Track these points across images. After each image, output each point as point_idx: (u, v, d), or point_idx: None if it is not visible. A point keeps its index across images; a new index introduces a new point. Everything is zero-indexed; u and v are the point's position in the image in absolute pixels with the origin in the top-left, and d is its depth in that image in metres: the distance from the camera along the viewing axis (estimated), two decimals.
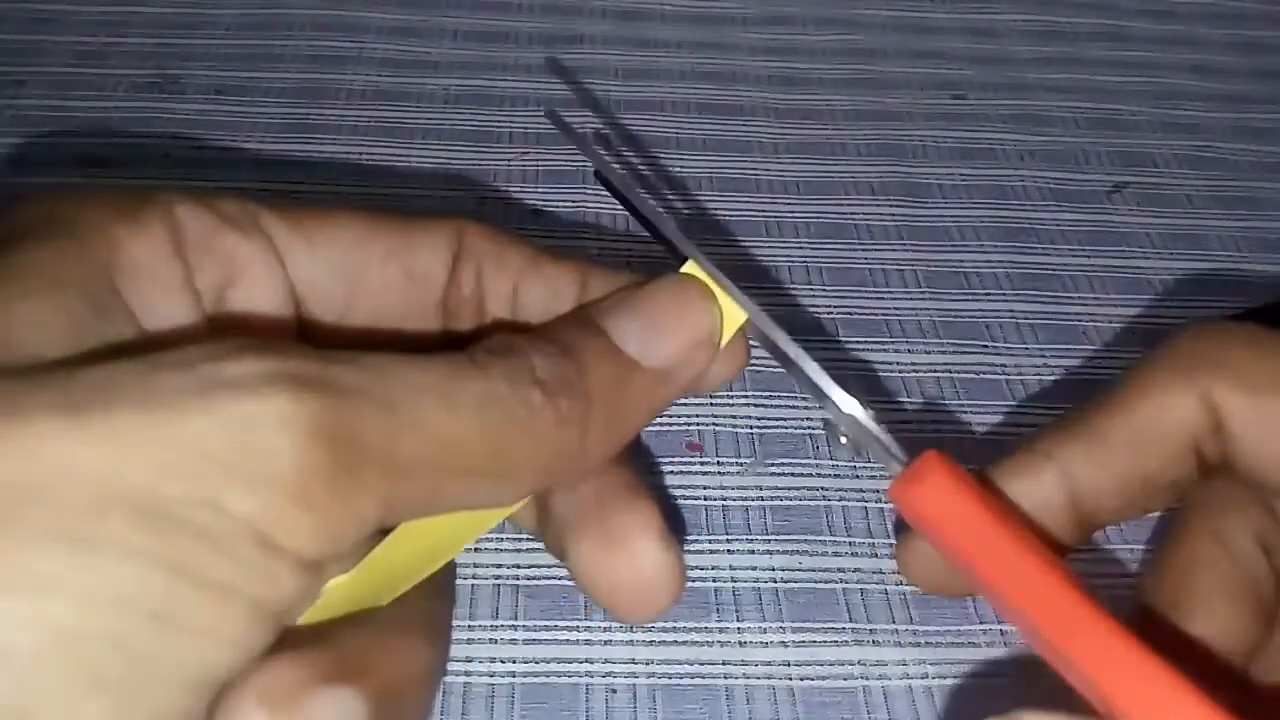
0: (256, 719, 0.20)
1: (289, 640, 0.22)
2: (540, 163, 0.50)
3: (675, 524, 0.36)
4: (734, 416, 0.40)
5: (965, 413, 0.41)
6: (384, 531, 0.24)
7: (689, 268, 0.27)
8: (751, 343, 0.28)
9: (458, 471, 0.22)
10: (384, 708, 0.22)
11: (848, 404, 0.27)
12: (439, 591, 0.26)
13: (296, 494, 0.19)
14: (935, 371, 0.42)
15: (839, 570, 0.35)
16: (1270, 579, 0.28)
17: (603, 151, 0.29)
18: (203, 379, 0.20)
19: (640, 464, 0.38)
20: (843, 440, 0.27)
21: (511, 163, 0.50)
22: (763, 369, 0.42)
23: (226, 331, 0.26)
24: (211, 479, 0.19)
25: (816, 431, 0.39)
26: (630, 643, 0.33)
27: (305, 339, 0.28)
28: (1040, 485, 0.28)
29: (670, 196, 0.49)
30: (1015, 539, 0.26)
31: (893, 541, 0.36)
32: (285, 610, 0.21)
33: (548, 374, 0.23)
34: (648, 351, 0.25)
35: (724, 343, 0.26)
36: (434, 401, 0.21)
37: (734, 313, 0.27)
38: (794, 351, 0.27)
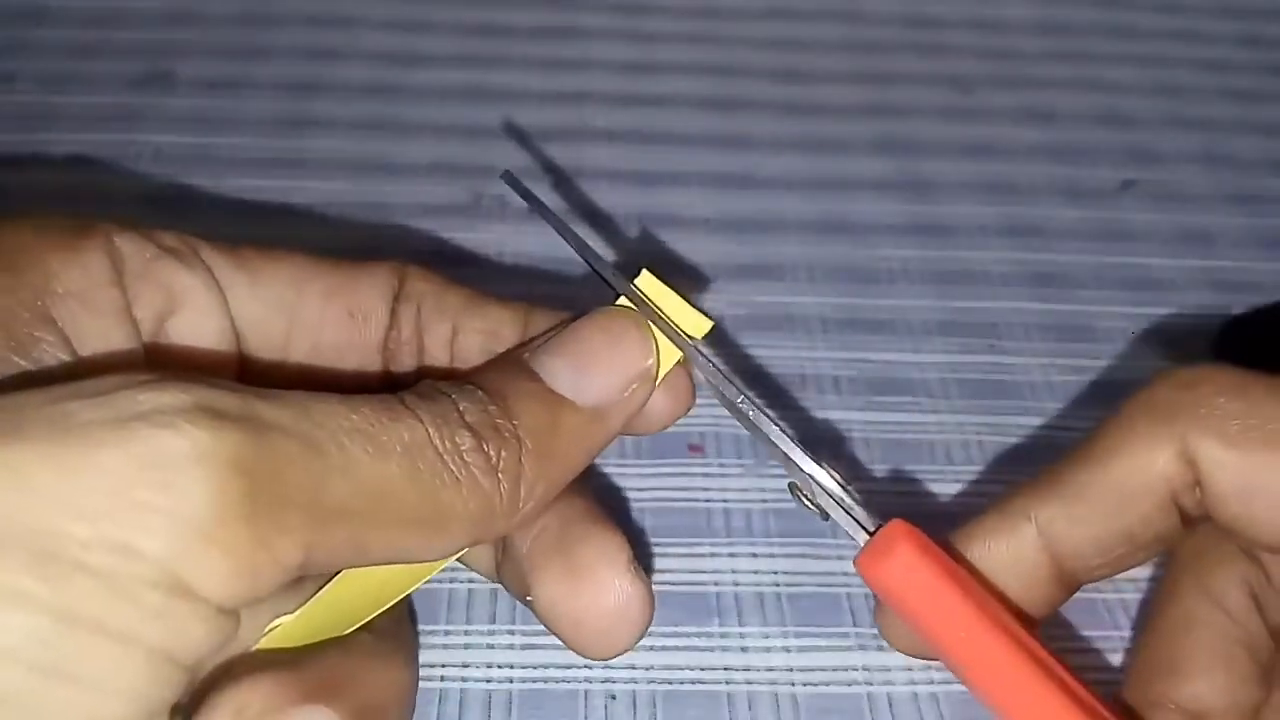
0: None
1: (263, 662, 0.21)
2: (537, 159, 0.49)
3: (675, 527, 0.36)
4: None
5: (972, 412, 0.40)
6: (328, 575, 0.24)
7: (623, 301, 0.26)
8: (703, 392, 0.27)
9: (386, 521, 0.21)
10: None
11: (811, 468, 0.26)
12: (402, 617, 0.26)
13: (212, 534, 0.19)
14: (941, 371, 0.41)
15: (843, 574, 0.35)
16: (1264, 636, 0.28)
17: (541, 196, 0.28)
18: (117, 410, 0.19)
19: (639, 466, 0.37)
20: (808, 505, 0.26)
21: (508, 159, 0.49)
22: (764, 369, 0.41)
23: (164, 364, 0.26)
24: (119, 518, 0.18)
25: (820, 433, 0.39)
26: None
27: (245, 376, 0.27)
28: (1018, 545, 0.28)
29: (669, 193, 0.48)
30: (980, 616, 0.26)
31: None
32: (195, 661, 0.20)
33: (476, 418, 0.23)
34: (580, 390, 0.25)
35: (660, 377, 0.26)
36: (361, 444, 0.21)
37: (671, 348, 0.26)
38: (754, 414, 0.26)
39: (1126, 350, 0.43)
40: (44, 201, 0.45)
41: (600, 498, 0.27)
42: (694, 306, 0.26)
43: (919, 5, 0.61)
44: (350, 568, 0.23)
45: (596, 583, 0.25)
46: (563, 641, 0.26)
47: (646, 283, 0.26)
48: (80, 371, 0.21)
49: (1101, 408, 0.40)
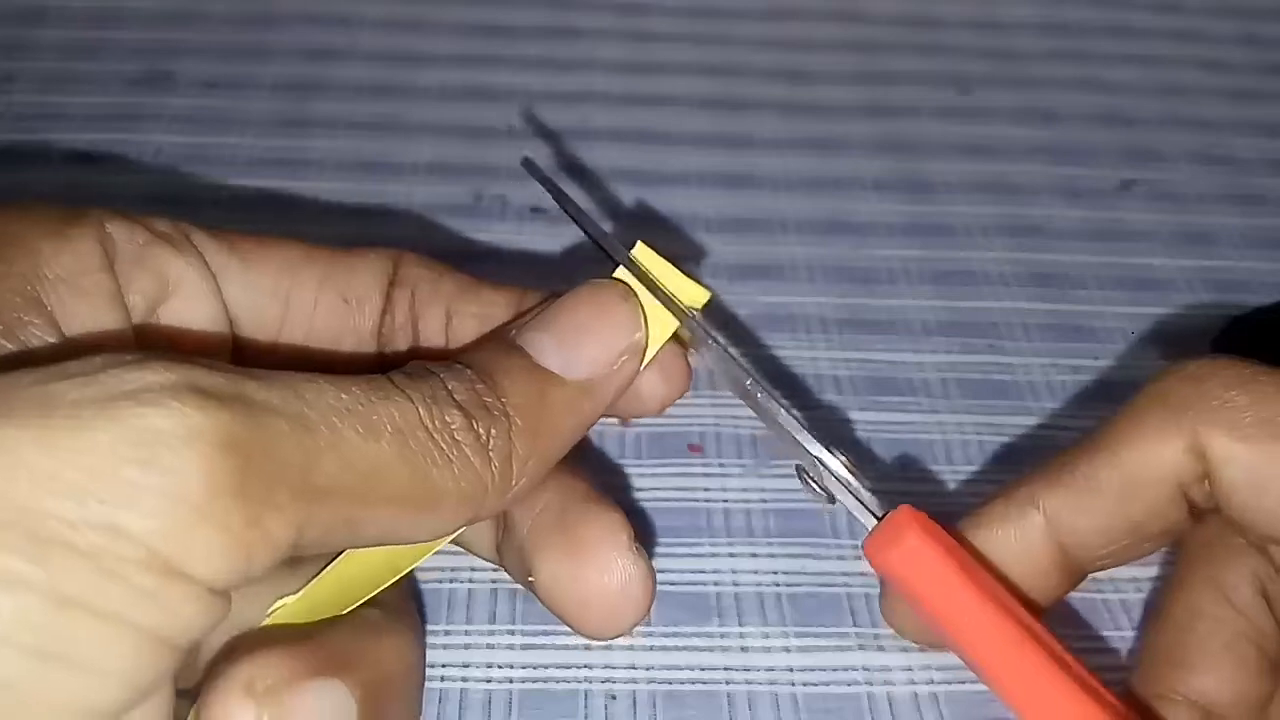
0: (243, 710, 0.20)
1: (274, 637, 0.21)
2: (538, 158, 0.49)
3: (675, 527, 0.36)
4: (736, 417, 0.39)
5: (972, 412, 0.40)
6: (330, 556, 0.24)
7: (621, 273, 0.26)
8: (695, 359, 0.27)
9: (378, 500, 0.21)
10: (372, 702, 0.22)
11: (819, 451, 0.26)
12: (409, 594, 0.26)
13: (203, 512, 0.18)
14: (941, 371, 0.41)
15: (843, 574, 0.35)
16: (1273, 629, 0.27)
17: (558, 181, 0.28)
18: (104, 389, 0.19)
19: (639, 466, 0.37)
20: (814, 487, 0.26)
21: (508, 158, 0.49)
22: (764, 368, 0.41)
23: (154, 347, 0.26)
24: (109, 498, 0.18)
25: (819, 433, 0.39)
26: (630, 648, 0.32)
27: (238, 360, 0.27)
28: (1025, 533, 0.28)
29: (669, 193, 0.48)
30: (987, 601, 0.26)
31: None
32: (187, 642, 0.19)
33: (465, 397, 0.23)
34: (568, 364, 0.25)
35: (652, 351, 0.26)
36: (351, 423, 0.21)
37: (665, 321, 0.26)
38: (761, 394, 0.26)
39: (1126, 350, 0.43)
40: (43, 201, 0.45)
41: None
42: (691, 278, 0.26)
43: (919, 5, 0.61)
44: (344, 548, 0.23)
45: (599, 561, 0.25)
46: (565, 622, 0.26)
47: (642, 255, 0.26)
48: (68, 353, 0.20)
49: (1101, 408, 0.40)
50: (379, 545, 0.23)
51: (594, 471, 0.36)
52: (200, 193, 0.46)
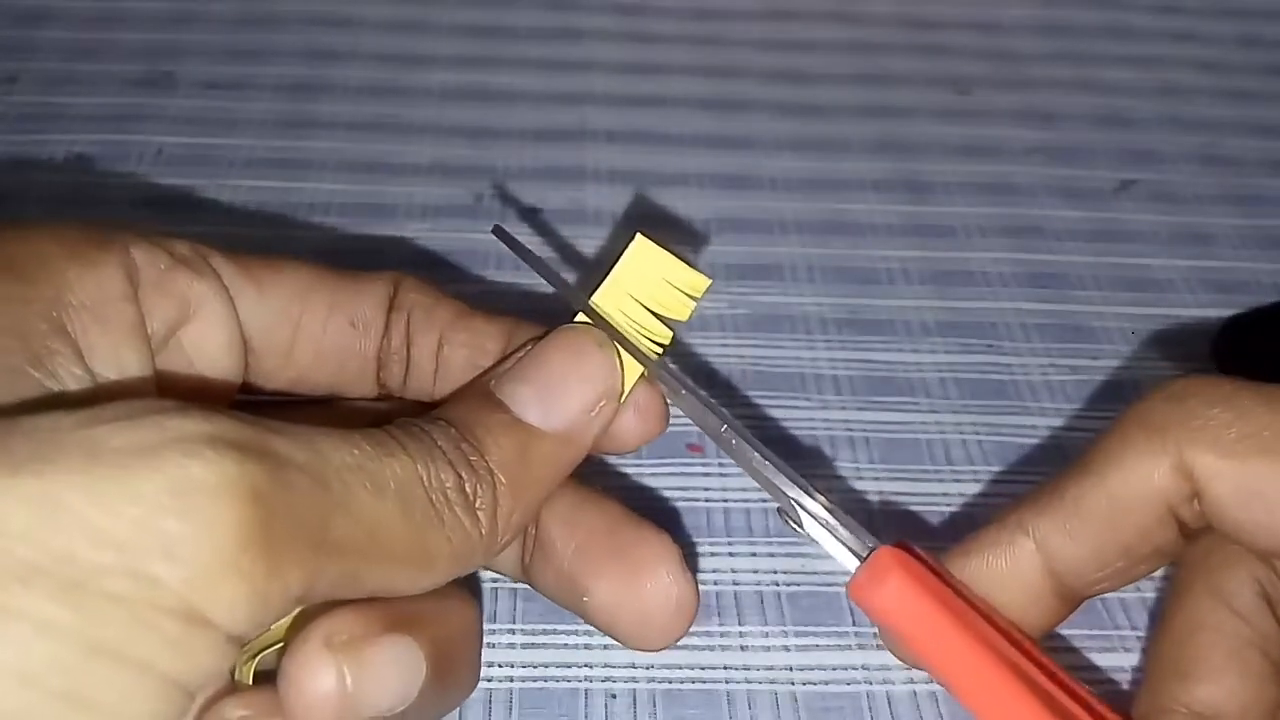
0: (323, 662, 0.21)
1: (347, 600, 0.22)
2: (538, 159, 0.49)
3: (675, 527, 0.36)
4: (736, 417, 0.39)
5: (971, 412, 0.40)
6: None
7: (601, 300, 0.27)
8: (677, 411, 0.27)
9: (380, 557, 0.22)
10: (440, 658, 0.23)
11: (798, 494, 0.26)
12: None
13: (232, 563, 0.19)
14: (940, 371, 0.42)
15: (843, 573, 0.34)
16: (1277, 635, 0.27)
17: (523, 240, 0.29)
18: (145, 437, 0.19)
19: (639, 466, 0.38)
20: (797, 530, 0.27)
21: (508, 159, 0.49)
22: (764, 368, 0.41)
23: (170, 388, 0.26)
24: (144, 546, 0.18)
25: (819, 432, 0.39)
26: None
27: (243, 388, 0.28)
28: (1017, 561, 0.28)
29: (669, 193, 0.48)
30: (972, 642, 0.26)
31: None
32: (199, 689, 0.20)
33: (453, 456, 0.24)
34: (547, 416, 0.25)
35: (625, 393, 0.26)
36: (361, 480, 0.21)
37: (635, 364, 0.26)
38: (737, 442, 0.26)
39: (1125, 350, 0.43)
40: (45, 202, 0.45)
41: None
42: (691, 266, 0.27)
43: (919, 6, 0.62)
44: (343, 598, 0.23)
45: (658, 582, 0.26)
46: (617, 639, 0.27)
47: (642, 246, 0.27)
48: (99, 396, 0.21)
49: (1100, 408, 0.40)
50: (375, 598, 0.24)
51: (594, 471, 0.36)
52: (201, 194, 0.46)
